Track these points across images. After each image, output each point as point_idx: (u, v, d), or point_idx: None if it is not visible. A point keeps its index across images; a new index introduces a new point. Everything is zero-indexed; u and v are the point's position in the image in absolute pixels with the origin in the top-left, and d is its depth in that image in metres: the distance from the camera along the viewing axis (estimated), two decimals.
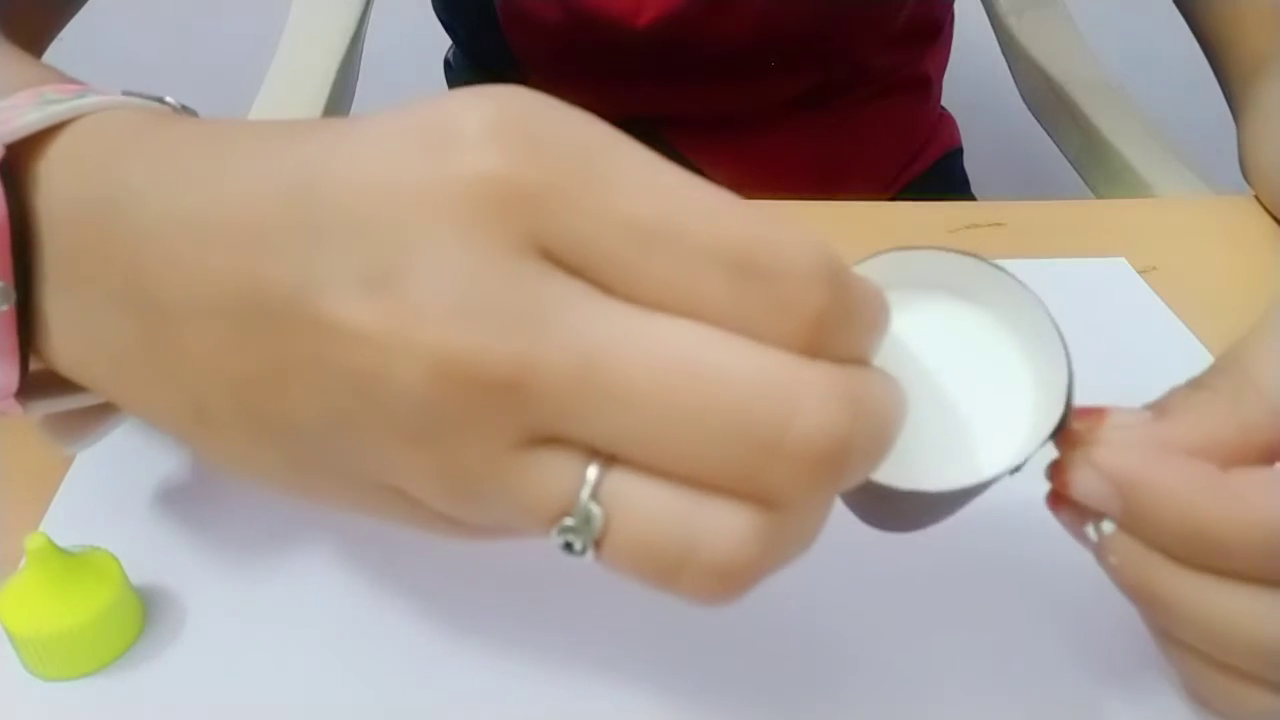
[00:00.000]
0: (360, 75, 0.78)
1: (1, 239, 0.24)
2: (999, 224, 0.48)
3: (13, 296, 0.24)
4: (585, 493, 0.19)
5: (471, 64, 0.73)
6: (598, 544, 0.19)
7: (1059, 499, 0.25)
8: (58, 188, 0.24)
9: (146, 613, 0.29)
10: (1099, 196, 0.69)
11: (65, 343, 0.24)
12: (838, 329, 0.19)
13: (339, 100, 0.71)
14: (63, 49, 0.46)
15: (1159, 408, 0.25)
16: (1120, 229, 0.49)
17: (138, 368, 0.23)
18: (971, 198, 0.75)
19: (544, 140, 0.18)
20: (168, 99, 0.27)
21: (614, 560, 0.19)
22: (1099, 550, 0.25)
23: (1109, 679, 0.29)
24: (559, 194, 0.18)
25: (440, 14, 0.70)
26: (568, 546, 0.19)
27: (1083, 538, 0.25)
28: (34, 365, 0.25)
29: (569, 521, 0.19)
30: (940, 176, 0.74)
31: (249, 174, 0.21)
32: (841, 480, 0.19)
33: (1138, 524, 0.24)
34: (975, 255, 0.25)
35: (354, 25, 0.75)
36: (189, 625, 0.29)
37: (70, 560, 0.27)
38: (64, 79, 0.29)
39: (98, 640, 0.27)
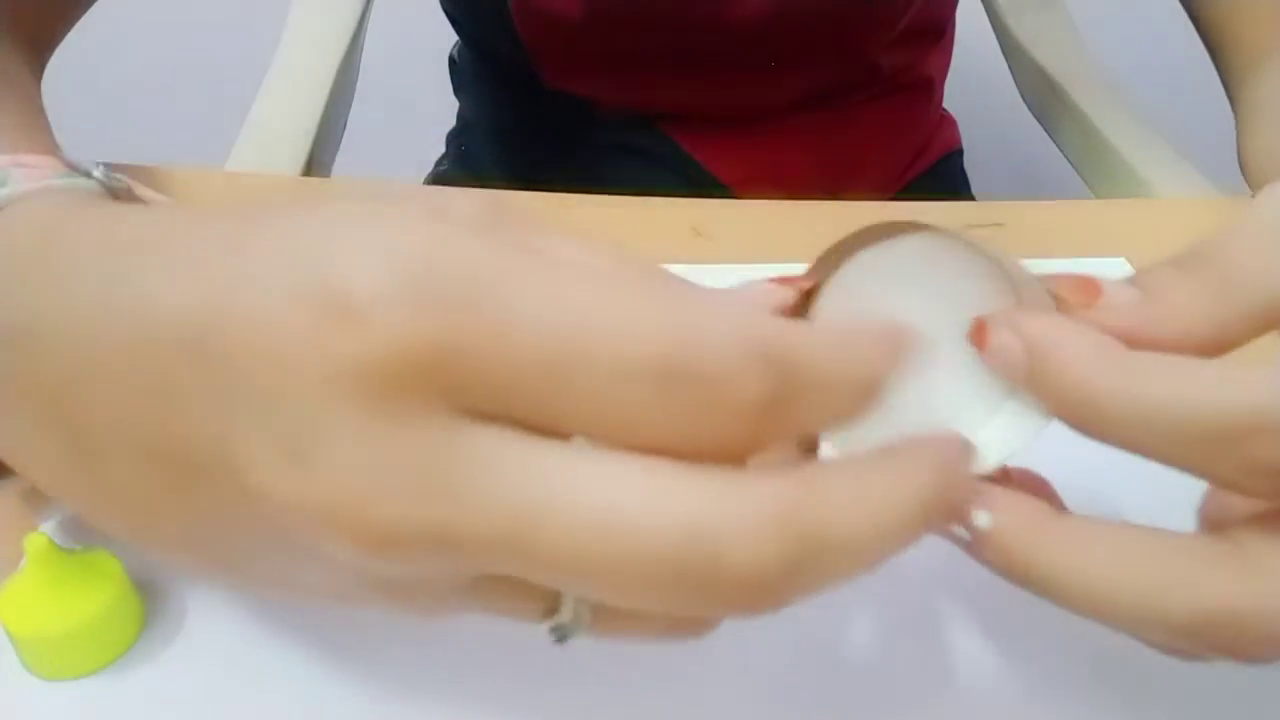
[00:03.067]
0: (360, 75, 0.78)
1: None
2: (999, 224, 0.48)
3: None
4: (566, 612, 0.21)
5: (479, 60, 0.73)
6: (592, 623, 0.21)
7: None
8: None
9: (146, 613, 0.29)
10: (1099, 196, 0.69)
11: (4, 451, 0.24)
12: (787, 412, 0.18)
13: (339, 100, 0.71)
14: (63, 49, 0.46)
15: (1144, 285, 0.24)
16: (1120, 229, 0.49)
17: (74, 487, 0.23)
18: (971, 198, 0.75)
19: (436, 297, 0.17)
20: (95, 173, 0.27)
21: (611, 628, 0.21)
22: (976, 545, 0.23)
23: (1109, 681, 0.29)
24: (460, 352, 0.17)
25: (448, 9, 0.70)
26: (562, 640, 0.21)
27: (951, 536, 0.24)
28: None
29: (556, 622, 0.21)
30: (940, 177, 0.74)
31: (150, 317, 0.20)
32: (794, 595, 0.18)
33: (1038, 388, 0.23)
34: (947, 232, 0.24)
35: (354, 25, 0.75)
36: (189, 625, 0.29)
37: (70, 560, 0.27)
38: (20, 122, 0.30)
39: (98, 640, 0.27)
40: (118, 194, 0.27)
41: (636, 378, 0.17)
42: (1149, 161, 0.65)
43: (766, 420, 0.18)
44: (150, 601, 0.29)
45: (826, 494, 0.18)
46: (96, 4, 0.47)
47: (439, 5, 0.71)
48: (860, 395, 0.19)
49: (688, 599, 0.18)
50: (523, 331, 0.17)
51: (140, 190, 0.28)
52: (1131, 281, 0.24)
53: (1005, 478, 0.24)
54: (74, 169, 0.27)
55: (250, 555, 0.21)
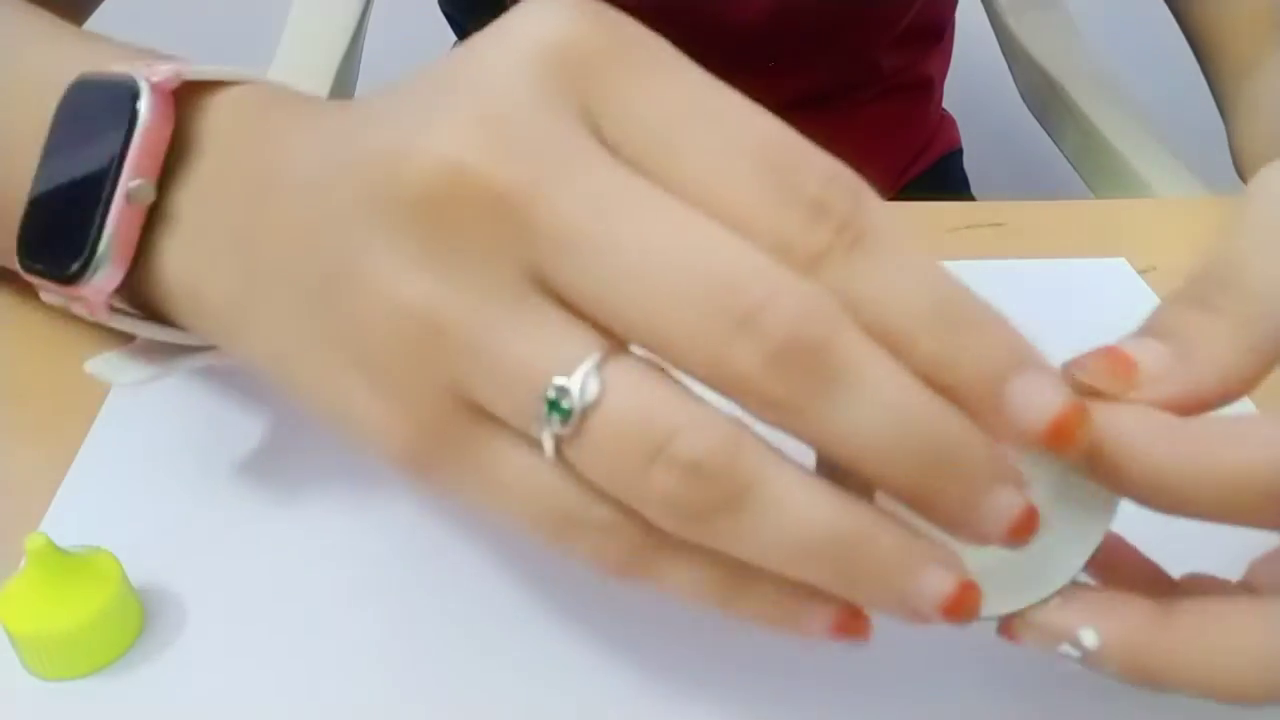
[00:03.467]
0: (360, 75, 0.78)
1: (159, 149, 0.27)
2: (999, 224, 0.48)
3: (150, 196, 0.27)
4: (589, 364, 0.19)
5: None
6: (582, 417, 0.19)
7: (1013, 626, 0.23)
8: (216, 125, 0.28)
9: (146, 613, 0.29)
10: (1099, 196, 0.69)
11: (188, 238, 0.27)
12: (856, 243, 0.19)
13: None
14: None
15: (1171, 336, 0.24)
16: (1120, 229, 0.49)
17: (238, 250, 0.26)
18: (971, 198, 0.75)
19: (611, 20, 0.20)
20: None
21: (593, 437, 0.19)
22: (1091, 662, 0.23)
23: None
24: (616, 63, 0.20)
25: (446, 9, 0.70)
26: (553, 406, 0.19)
27: (1059, 656, 0.23)
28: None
29: (561, 381, 0.19)
30: (940, 177, 0.74)
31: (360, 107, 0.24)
32: (798, 391, 0.19)
33: (1101, 473, 0.22)
34: None
35: (354, 25, 0.75)
36: (189, 625, 0.29)
37: (70, 560, 0.27)
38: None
39: (98, 640, 0.27)
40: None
41: (748, 151, 0.19)
42: (1149, 161, 0.65)
43: (836, 242, 0.19)
44: (150, 601, 0.29)
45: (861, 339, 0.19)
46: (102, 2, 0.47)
47: (438, 5, 0.71)
48: (928, 312, 0.20)
49: (716, 332, 0.18)
50: (673, 75, 0.20)
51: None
52: (1154, 330, 0.24)
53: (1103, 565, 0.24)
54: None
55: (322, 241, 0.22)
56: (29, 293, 0.38)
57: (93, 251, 0.27)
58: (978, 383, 0.20)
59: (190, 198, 0.28)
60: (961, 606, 0.21)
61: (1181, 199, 0.60)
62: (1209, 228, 0.50)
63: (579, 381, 0.19)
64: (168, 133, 0.27)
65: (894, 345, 0.20)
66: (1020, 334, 0.21)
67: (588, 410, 0.19)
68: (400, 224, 0.20)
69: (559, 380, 0.19)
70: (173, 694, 0.27)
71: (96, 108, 0.28)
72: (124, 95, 0.27)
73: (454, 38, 0.75)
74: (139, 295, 0.29)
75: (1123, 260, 0.46)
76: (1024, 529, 0.21)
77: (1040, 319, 0.42)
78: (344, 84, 0.72)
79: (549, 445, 0.20)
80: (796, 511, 0.19)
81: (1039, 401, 0.20)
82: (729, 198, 0.19)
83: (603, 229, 0.19)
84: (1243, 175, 0.52)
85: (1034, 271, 0.45)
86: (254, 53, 0.73)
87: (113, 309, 0.29)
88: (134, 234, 0.27)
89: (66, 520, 0.31)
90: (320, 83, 0.69)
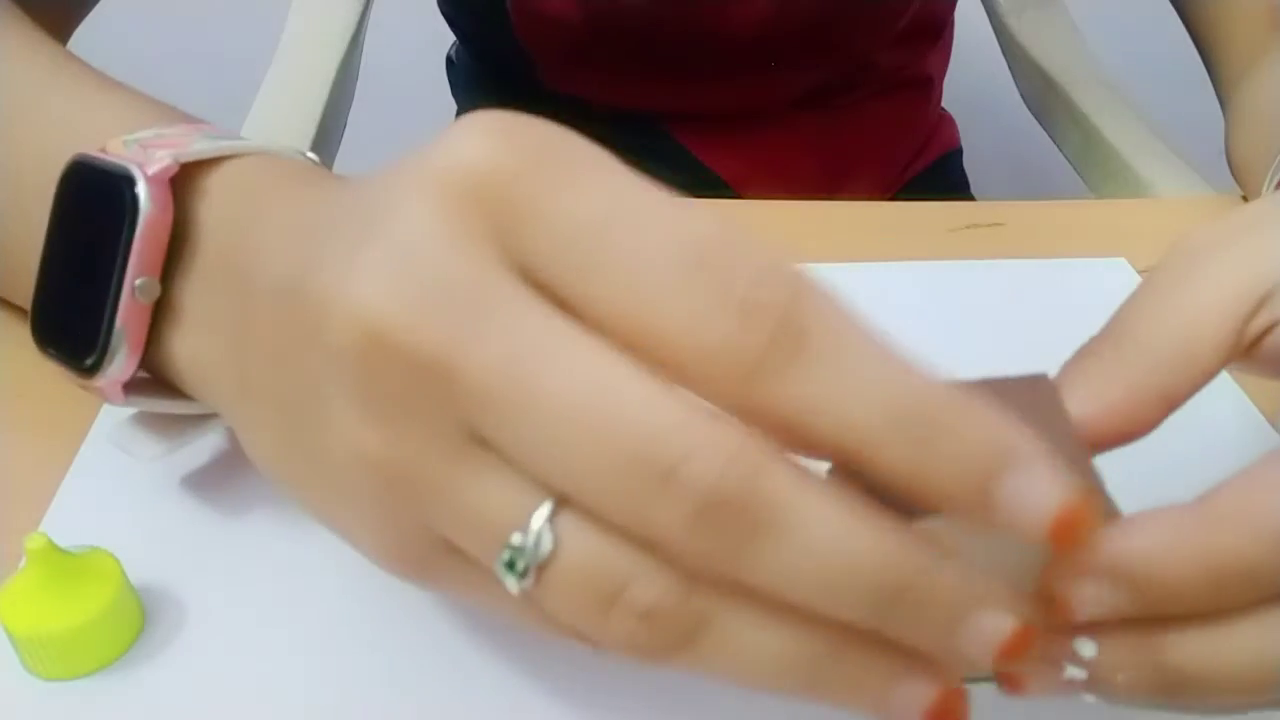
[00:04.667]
0: (360, 75, 0.78)
1: (161, 242, 0.27)
2: (999, 224, 0.48)
3: (156, 293, 0.27)
4: (540, 518, 0.19)
5: (476, 59, 0.73)
6: (538, 570, 0.19)
7: (1019, 681, 0.22)
8: (215, 211, 0.28)
9: (146, 613, 0.29)
10: (1099, 196, 0.69)
11: (191, 331, 0.27)
12: (794, 355, 0.18)
13: (339, 100, 0.71)
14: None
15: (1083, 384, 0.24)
16: (1120, 229, 0.49)
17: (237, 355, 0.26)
18: (971, 198, 0.75)
19: (522, 138, 0.20)
20: (308, 153, 0.30)
21: (551, 588, 0.20)
22: (1096, 680, 0.21)
23: None
24: (531, 184, 0.19)
25: (445, 10, 0.70)
26: (509, 566, 0.20)
27: (1065, 685, 0.21)
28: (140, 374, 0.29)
29: (516, 540, 0.19)
30: (940, 176, 0.74)
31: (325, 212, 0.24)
32: (725, 545, 0.18)
33: (1157, 603, 0.20)
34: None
35: (354, 25, 0.75)
36: (189, 625, 0.29)
37: (70, 560, 0.27)
38: (176, 111, 0.33)
39: (98, 640, 0.27)
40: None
41: (672, 255, 0.18)
42: (1149, 161, 0.65)
43: (773, 349, 0.18)
44: (150, 601, 0.29)
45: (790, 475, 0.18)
46: (98, 4, 0.47)
47: (438, 6, 0.71)
48: (882, 423, 0.18)
49: (636, 491, 0.18)
50: (590, 186, 0.19)
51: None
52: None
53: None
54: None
55: (281, 388, 0.23)
56: None
57: (105, 347, 0.27)
58: (957, 491, 0.18)
59: (192, 290, 0.28)
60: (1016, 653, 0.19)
61: (1182, 199, 0.60)
62: None
63: (532, 539, 0.19)
64: (168, 223, 0.27)
65: (854, 458, 0.19)
66: (1000, 422, 0.19)
67: (543, 565, 0.19)
68: (344, 374, 0.20)
69: (514, 538, 0.19)
70: (173, 694, 0.27)
71: (96, 197, 0.28)
72: (122, 187, 0.27)
73: (453, 38, 0.75)
74: (153, 369, 0.29)
75: (1123, 260, 0.46)
76: (1017, 649, 0.19)
77: (1040, 319, 0.42)
78: (344, 84, 0.72)
79: (514, 590, 0.20)
80: (752, 650, 0.19)
81: (1034, 502, 0.18)
82: (654, 317, 0.18)
83: (521, 389, 0.18)
84: (1234, 173, 0.52)
85: (1034, 271, 0.45)
86: (254, 53, 0.73)
87: (127, 392, 0.29)
88: (143, 328, 0.28)
89: (66, 520, 0.31)
90: (320, 83, 0.69)
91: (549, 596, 0.20)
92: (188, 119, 0.32)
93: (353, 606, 0.29)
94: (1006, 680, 0.22)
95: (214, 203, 0.28)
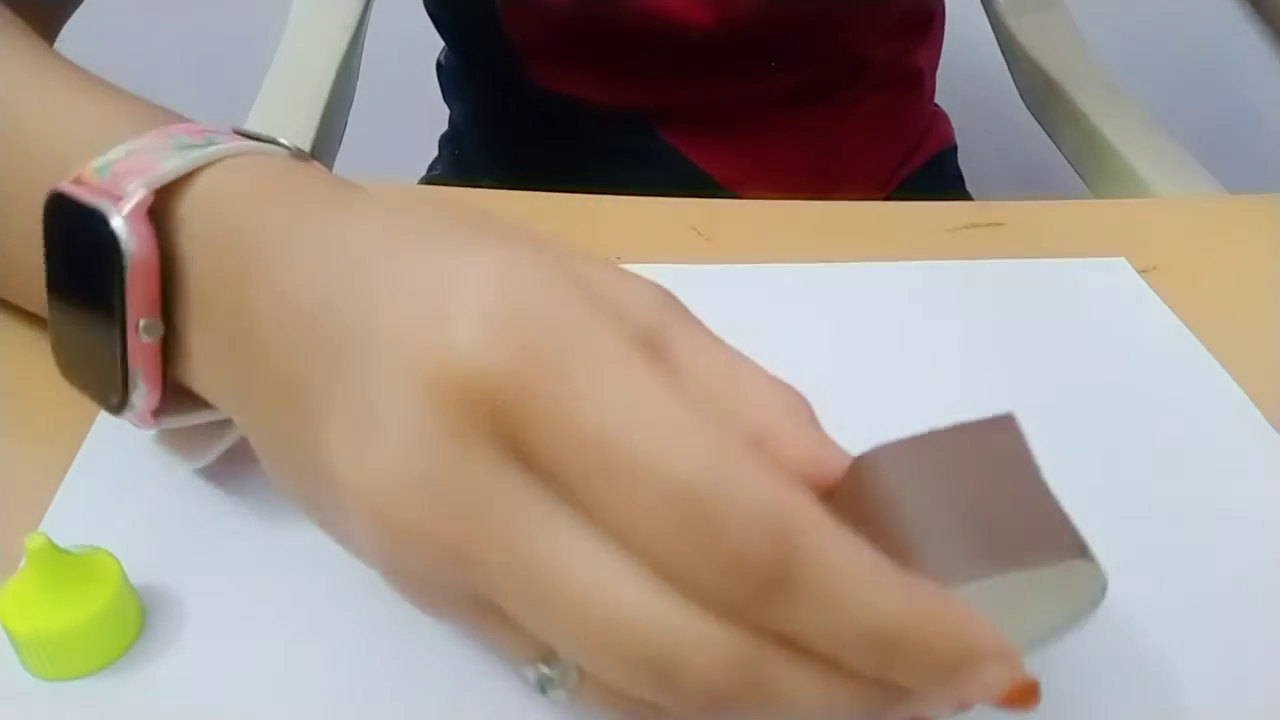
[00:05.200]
0: (360, 75, 0.78)
1: (152, 279, 0.27)
2: (998, 224, 0.48)
3: (160, 331, 0.27)
4: (558, 669, 0.21)
5: (464, 61, 0.73)
6: (575, 687, 0.21)
7: None
8: (198, 231, 0.27)
9: (146, 613, 0.29)
10: (1098, 196, 0.69)
11: (200, 367, 0.27)
12: (783, 605, 0.19)
13: (339, 100, 0.71)
14: (63, 49, 0.45)
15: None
16: (1120, 229, 0.49)
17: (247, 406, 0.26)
18: (966, 195, 0.75)
19: (532, 346, 0.19)
20: (281, 140, 0.29)
21: (589, 697, 0.21)
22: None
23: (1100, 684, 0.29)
24: (533, 404, 0.19)
25: (432, 10, 0.70)
26: (541, 687, 0.22)
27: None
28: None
29: (545, 670, 0.21)
30: (935, 174, 0.74)
31: (320, 286, 0.23)
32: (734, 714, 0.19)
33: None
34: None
35: (354, 25, 0.75)
36: (189, 625, 0.29)
37: (70, 560, 0.27)
38: (153, 109, 0.32)
39: (98, 640, 0.27)
40: (304, 160, 0.29)
41: (665, 501, 0.18)
42: (1149, 161, 0.65)
43: (762, 597, 0.19)
44: (150, 601, 0.29)
45: (787, 663, 0.19)
46: (98, 4, 0.47)
47: (424, 5, 0.70)
48: (867, 646, 0.19)
49: (649, 689, 0.19)
50: (595, 407, 0.19)
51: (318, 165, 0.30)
52: None
53: None
54: (258, 139, 0.29)
55: (317, 501, 0.24)
56: None
57: (125, 387, 0.28)
58: (927, 687, 0.20)
59: (191, 324, 0.27)
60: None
61: (1182, 199, 0.60)
62: (1209, 228, 0.50)
63: (559, 672, 0.21)
64: (155, 258, 0.27)
65: (835, 664, 0.20)
66: (966, 625, 0.19)
67: (576, 686, 0.21)
68: (362, 541, 0.21)
69: (543, 669, 0.22)
70: (173, 694, 0.27)
71: (80, 233, 0.27)
72: (102, 228, 0.26)
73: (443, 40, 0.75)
74: (176, 385, 0.29)
75: (1123, 260, 0.46)
76: (1024, 698, 0.20)
77: (1040, 319, 0.42)
78: (344, 84, 0.72)
79: (559, 697, 0.22)
80: None
81: (987, 688, 0.20)
82: (649, 543, 0.19)
83: (530, 593, 0.20)
84: None
85: (1034, 271, 0.45)
86: (254, 53, 0.73)
87: (156, 417, 0.29)
88: (157, 363, 0.28)
89: (66, 520, 0.31)
90: (320, 83, 0.69)
91: (584, 698, 0.22)
92: (165, 118, 0.31)
93: (353, 606, 0.29)
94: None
95: (194, 230, 0.27)
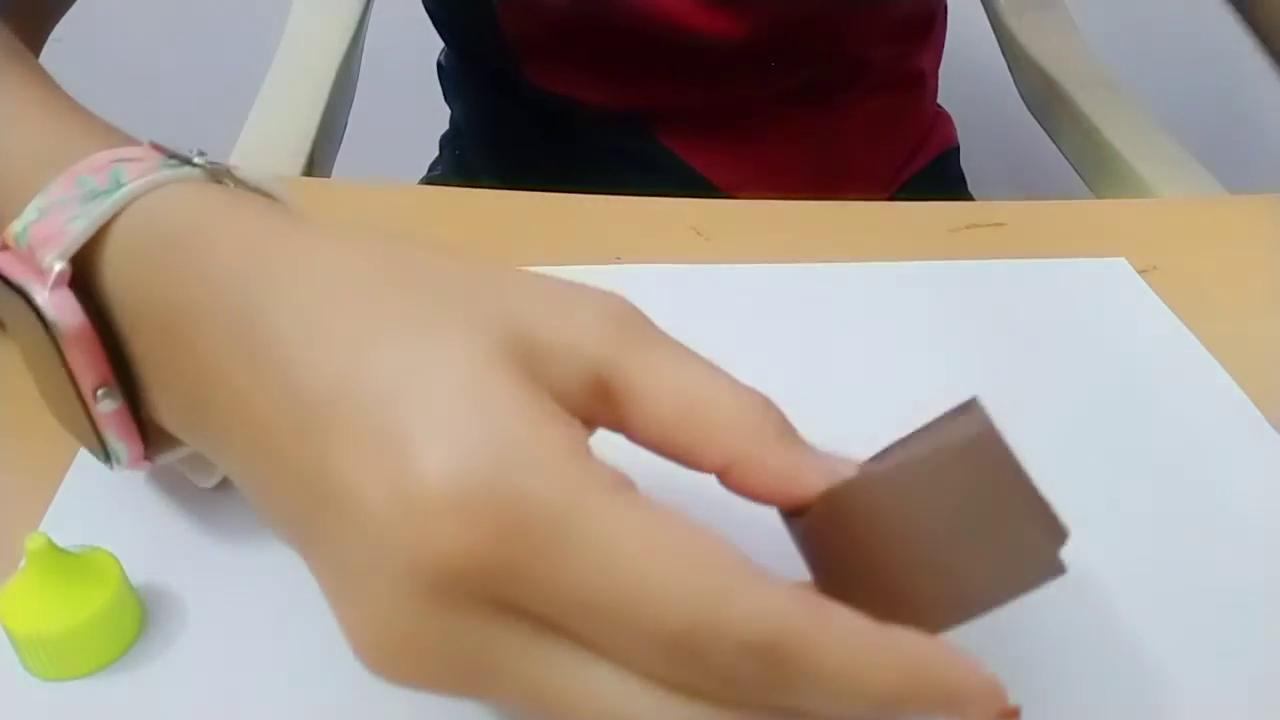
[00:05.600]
0: (360, 75, 0.78)
1: (92, 349, 0.26)
2: (999, 224, 0.48)
3: (117, 398, 0.26)
4: None
5: (463, 60, 0.73)
6: None
7: None
8: (125, 290, 0.26)
9: (146, 613, 0.29)
10: (1099, 196, 0.69)
11: (170, 423, 0.26)
12: (782, 693, 0.20)
13: (339, 100, 0.71)
14: (63, 49, 0.46)
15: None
16: (1120, 229, 0.49)
17: (208, 447, 0.26)
18: (968, 196, 0.75)
19: (503, 519, 0.19)
20: (196, 159, 0.28)
21: None
22: None
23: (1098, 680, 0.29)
24: (509, 576, 0.19)
25: (431, 9, 0.70)
26: None
27: None
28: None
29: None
30: (937, 175, 0.74)
31: (281, 389, 0.22)
32: None
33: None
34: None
35: (354, 25, 0.75)
36: (189, 625, 0.29)
37: (70, 560, 0.27)
38: (79, 127, 0.30)
39: (98, 640, 0.27)
40: (220, 179, 0.28)
41: (655, 643, 0.19)
42: (1149, 162, 0.65)
43: (762, 696, 0.20)
44: (150, 601, 0.29)
45: None
46: (98, 4, 0.47)
47: (422, 4, 0.70)
48: (865, 710, 0.20)
49: None
50: (575, 572, 0.19)
51: (240, 174, 0.29)
52: None
53: None
54: (173, 156, 0.28)
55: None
56: None
57: (107, 452, 0.27)
58: None
59: (151, 386, 0.26)
60: None
61: (1182, 199, 0.60)
62: (1209, 228, 0.50)
63: None
64: (90, 328, 0.26)
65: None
66: (955, 668, 0.21)
67: None
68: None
69: None
70: (173, 694, 0.27)
71: (19, 312, 0.26)
72: (29, 309, 0.26)
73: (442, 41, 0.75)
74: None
75: (1123, 260, 0.46)
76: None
77: (1040, 319, 0.42)
78: (344, 84, 0.72)
79: None
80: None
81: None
82: (651, 674, 0.20)
83: (547, 713, 0.20)
84: None
85: (1034, 271, 0.45)
86: (254, 53, 0.73)
87: (150, 460, 0.28)
88: (129, 424, 0.27)
89: (66, 520, 0.31)
90: (320, 83, 0.69)
91: None
92: (81, 142, 0.29)
93: None
94: None
95: (119, 290, 0.26)
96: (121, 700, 0.27)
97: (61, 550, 0.27)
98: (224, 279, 0.24)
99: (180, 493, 0.32)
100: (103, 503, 0.32)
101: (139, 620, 0.28)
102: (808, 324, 0.42)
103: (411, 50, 0.80)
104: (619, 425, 0.23)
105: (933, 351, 0.40)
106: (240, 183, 0.28)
